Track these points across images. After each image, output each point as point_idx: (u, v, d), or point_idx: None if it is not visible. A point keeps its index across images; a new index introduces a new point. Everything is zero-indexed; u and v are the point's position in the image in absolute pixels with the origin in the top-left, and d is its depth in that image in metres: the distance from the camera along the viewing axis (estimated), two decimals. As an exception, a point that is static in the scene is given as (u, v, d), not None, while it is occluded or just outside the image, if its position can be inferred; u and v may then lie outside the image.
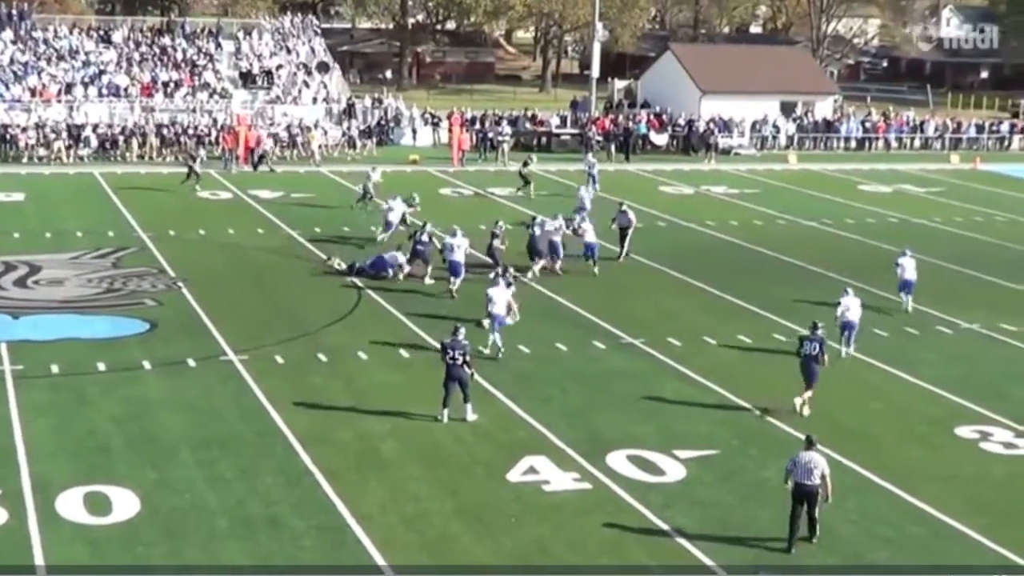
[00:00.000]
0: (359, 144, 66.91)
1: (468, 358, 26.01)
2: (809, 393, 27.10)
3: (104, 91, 68.48)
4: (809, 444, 20.67)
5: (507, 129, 69.02)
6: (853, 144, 78.78)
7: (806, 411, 26.97)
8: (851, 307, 31.45)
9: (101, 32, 75.90)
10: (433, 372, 29.03)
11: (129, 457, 23.56)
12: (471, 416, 26.07)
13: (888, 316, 35.54)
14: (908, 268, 35.89)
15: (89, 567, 19.23)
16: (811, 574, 19.89)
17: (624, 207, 42.86)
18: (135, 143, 62.46)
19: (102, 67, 70.77)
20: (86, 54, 72.11)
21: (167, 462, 23.30)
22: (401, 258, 37.94)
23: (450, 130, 68.60)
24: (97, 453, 23.74)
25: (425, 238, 37.88)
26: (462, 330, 26.39)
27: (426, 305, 35.20)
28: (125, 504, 21.29)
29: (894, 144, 79.41)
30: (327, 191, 54.65)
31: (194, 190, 52.77)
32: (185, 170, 54.34)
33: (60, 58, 71.11)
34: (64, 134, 61.72)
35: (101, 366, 28.96)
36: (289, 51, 77.07)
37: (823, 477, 20.29)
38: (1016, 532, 21.43)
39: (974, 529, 21.44)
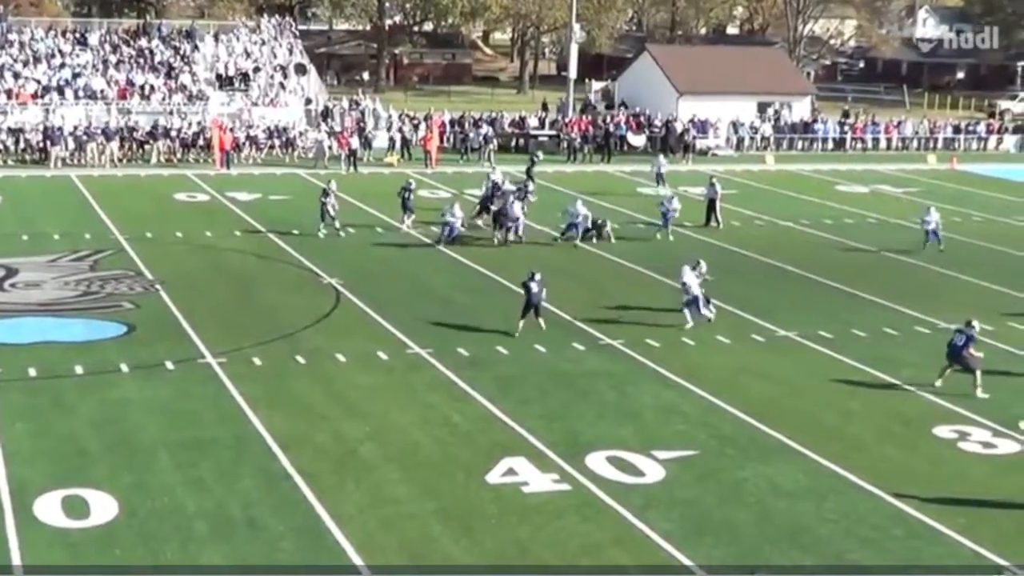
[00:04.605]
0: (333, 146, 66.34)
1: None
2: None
3: (80, 94, 68.25)
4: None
5: (488, 131, 68.78)
6: (830, 145, 79.00)
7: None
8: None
9: (77, 34, 75.59)
10: (412, 374, 29.11)
11: (107, 460, 23.47)
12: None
13: (865, 316, 35.65)
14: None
15: (67, 569, 19.14)
16: (797, 574, 19.93)
17: (713, 180, 50.94)
18: (112, 146, 61.94)
19: (78, 70, 70.51)
20: (62, 56, 71.83)
21: (145, 465, 23.21)
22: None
23: (428, 132, 68.41)
24: (75, 456, 23.63)
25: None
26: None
27: (404, 307, 35.17)
28: (103, 507, 21.19)
29: (871, 145, 79.64)
30: (304, 193, 54.53)
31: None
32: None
33: (37, 60, 70.81)
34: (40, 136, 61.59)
35: (79, 369, 28.83)
36: (266, 53, 76.86)
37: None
38: (994, 532, 21.46)
39: (952, 529, 21.46)
